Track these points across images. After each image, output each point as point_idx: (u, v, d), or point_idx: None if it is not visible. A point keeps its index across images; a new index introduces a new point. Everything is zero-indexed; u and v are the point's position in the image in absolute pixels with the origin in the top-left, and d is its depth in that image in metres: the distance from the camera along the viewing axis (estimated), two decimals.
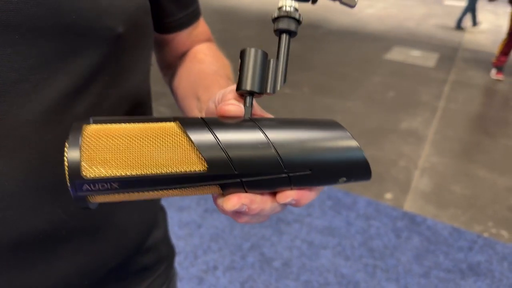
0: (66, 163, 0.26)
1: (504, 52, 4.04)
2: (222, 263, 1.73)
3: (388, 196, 2.21)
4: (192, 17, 0.55)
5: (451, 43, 5.46)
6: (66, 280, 0.44)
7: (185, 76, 0.54)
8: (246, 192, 0.29)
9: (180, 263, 1.71)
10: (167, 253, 0.63)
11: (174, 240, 0.65)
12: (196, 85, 0.49)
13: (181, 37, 0.55)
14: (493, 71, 4.16)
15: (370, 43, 5.22)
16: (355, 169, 0.30)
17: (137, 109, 0.48)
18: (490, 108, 3.53)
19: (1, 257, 0.38)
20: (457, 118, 3.20)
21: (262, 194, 0.30)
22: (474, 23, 6.54)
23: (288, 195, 0.30)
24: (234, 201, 0.29)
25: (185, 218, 1.97)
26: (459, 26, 6.48)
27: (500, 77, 4.10)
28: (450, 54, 4.90)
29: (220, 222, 1.95)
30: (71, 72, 0.36)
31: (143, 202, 0.53)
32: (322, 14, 6.75)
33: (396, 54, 4.78)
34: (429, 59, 4.65)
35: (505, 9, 7.29)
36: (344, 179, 0.30)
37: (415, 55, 4.77)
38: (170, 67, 0.59)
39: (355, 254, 1.80)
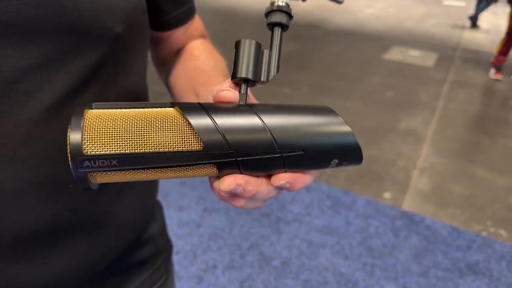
0: (68, 142, 0.27)
1: (503, 52, 4.05)
2: (221, 262, 1.73)
3: (387, 195, 2.22)
4: (188, 14, 0.56)
5: (450, 43, 5.47)
6: (66, 275, 0.44)
7: (181, 73, 0.54)
8: (242, 173, 0.30)
9: (179, 262, 1.72)
10: (164, 246, 0.64)
11: (174, 239, 0.65)
12: (194, 82, 0.50)
13: (177, 34, 0.56)
14: (492, 71, 4.17)
15: (369, 43, 5.22)
16: (346, 151, 0.31)
17: None
18: (489, 108, 3.54)
19: (2, 253, 0.38)
20: (456, 118, 3.21)
21: (257, 176, 0.31)
22: (475, 24, 6.57)
23: (282, 177, 0.31)
24: (230, 181, 0.29)
25: (185, 218, 1.98)
26: (475, 24, 6.50)
27: (499, 76, 4.11)
28: (449, 54, 4.90)
29: (219, 222, 1.96)
30: (71, 71, 0.37)
31: (140, 197, 0.54)
32: (321, 14, 6.76)
33: (395, 54, 4.79)
34: (428, 59, 4.65)
35: (504, 9, 7.31)
36: (336, 161, 0.31)
37: (414, 55, 4.78)
38: (165, 64, 0.59)
39: (354, 253, 1.81)
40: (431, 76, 4.12)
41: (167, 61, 0.59)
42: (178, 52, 0.58)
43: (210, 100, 0.37)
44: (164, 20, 0.53)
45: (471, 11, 6.95)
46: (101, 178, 0.29)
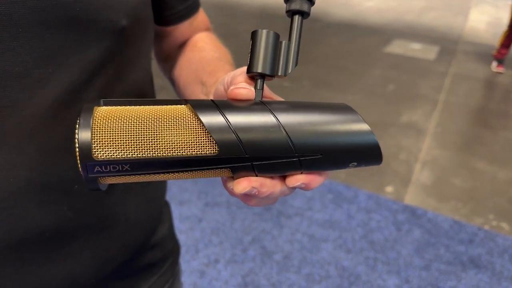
0: (77, 145, 0.25)
1: (505, 44, 4.03)
2: (223, 257, 1.73)
3: (389, 189, 2.21)
4: (192, 8, 0.55)
5: (451, 36, 5.44)
6: (72, 278, 0.43)
7: (186, 65, 0.53)
8: (257, 175, 0.29)
9: (181, 256, 1.71)
10: (172, 249, 0.63)
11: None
12: (200, 72, 0.49)
13: (182, 29, 0.55)
14: (494, 64, 4.14)
15: (370, 36, 5.19)
16: (366, 153, 0.30)
17: None
18: (491, 101, 3.53)
19: (8, 255, 0.37)
20: (458, 111, 3.19)
21: (272, 177, 0.30)
22: None
23: (298, 179, 0.30)
24: (245, 184, 0.29)
25: (186, 212, 1.97)
26: None
27: (501, 69, 4.09)
28: (450, 47, 4.88)
29: (220, 216, 1.95)
30: (75, 66, 0.36)
31: (148, 198, 0.53)
32: (322, 7, 6.72)
33: (396, 47, 4.76)
34: (429, 52, 4.63)
35: (505, 1, 7.26)
36: (355, 163, 0.30)
37: (415, 48, 4.75)
38: (169, 58, 0.58)
39: (356, 247, 1.81)
40: (433, 69, 4.10)
41: (170, 56, 0.58)
42: (181, 46, 0.57)
43: (218, 87, 0.35)
44: (169, 14, 0.52)
45: (472, 3, 6.90)
46: (111, 180, 0.28)
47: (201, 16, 0.58)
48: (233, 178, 0.30)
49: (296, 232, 1.88)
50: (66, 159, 0.38)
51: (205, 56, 0.52)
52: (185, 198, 2.07)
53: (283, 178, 0.31)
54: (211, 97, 0.42)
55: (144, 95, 0.48)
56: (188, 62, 0.53)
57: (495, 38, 4.68)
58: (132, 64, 0.43)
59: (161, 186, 0.58)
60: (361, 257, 1.76)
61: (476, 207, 2.10)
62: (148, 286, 0.56)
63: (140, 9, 0.42)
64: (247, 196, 0.31)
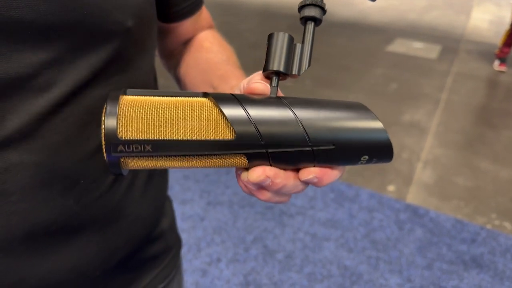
0: (103, 126, 0.27)
1: (507, 43, 4.01)
2: (225, 256, 1.73)
3: (391, 188, 2.21)
4: (196, 5, 0.55)
5: (453, 34, 5.43)
6: (78, 270, 0.44)
7: (193, 65, 0.54)
8: (271, 166, 0.30)
9: (183, 255, 1.72)
10: (173, 242, 0.64)
11: None
12: (208, 74, 0.49)
13: (186, 26, 0.55)
14: (496, 63, 4.13)
15: (372, 35, 5.19)
16: (377, 148, 0.31)
17: None
18: (493, 99, 3.52)
19: (14, 249, 0.38)
20: (460, 110, 3.19)
21: (285, 169, 0.31)
22: None
23: (311, 172, 0.30)
24: (259, 172, 0.29)
25: (188, 211, 1.98)
26: None
27: (503, 68, 4.08)
28: (452, 46, 4.86)
29: (223, 215, 1.95)
30: (82, 67, 0.36)
31: (152, 192, 0.54)
32: None
33: (398, 46, 4.75)
34: (431, 51, 4.62)
35: (507, 0, 7.23)
36: (366, 157, 0.31)
37: (417, 47, 4.74)
38: (173, 55, 0.59)
39: (358, 246, 1.81)
40: (435, 68, 4.09)
41: (174, 53, 0.59)
42: (186, 43, 0.58)
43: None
44: (173, 11, 0.52)
45: (474, 2, 6.88)
46: (133, 163, 0.29)
47: (204, 13, 0.59)
48: (247, 170, 0.31)
49: (298, 231, 1.88)
50: (72, 155, 0.39)
51: (212, 58, 0.52)
52: (187, 197, 2.07)
53: (297, 172, 0.31)
54: None
55: None
56: (195, 62, 0.54)
57: (498, 36, 4.67)
58: (137, 62, 0.44)
59: (164, 181, 0.59)
60: (363, 256, 1.76)
61: (479, 206, 2.09)
62: (151, 279, 0.57)
63: (145, 8, 0.42)
64: (260, 189, 0.31)
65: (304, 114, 0.30)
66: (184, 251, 1.74)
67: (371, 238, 1.86)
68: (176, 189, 2.12)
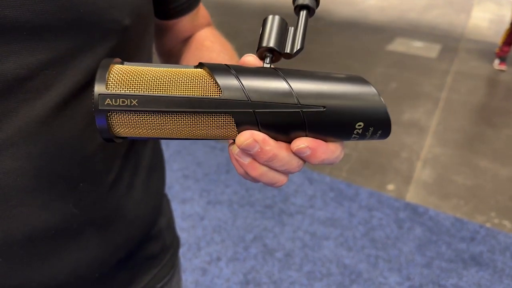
0: (94, 82, 0.28)
1: (508, 42, 4.01)
2: (225, 254, 1.74)
3: (390, 187, 2.21)
4: (193, 1, 0.55)
5: (453, 33, 5.42)
6: (77, 272, 0.44)
7: (195, 63, 0.54)
8: (260, 131, 0.30)
9: (183, 254, 1.72)
10: (171, 241, 0.64)
11: (177, 232, 0.65)
12: None
13: (184, 22, 0.55)
14: (496, 62, 4.13)
15: (372, 35, 5.18)
16: (372, 115, 0.29)
17: None
18: (493, 98, 3.52)
19: (14, 253, 0.38)
20: (460, 109, 3.19)
21: (276, 139, 0.30)
22: None
23: (302, 141, 0.29)
24: (247, 135, 0.28)
25: (188, 210, 1.98)
26: None
27: (503, 67, 4.07)
28: (452, 45, 4.86)
29: (223, 214, 1.96)
30: (80, 67, 0.36)
31: (150, 191, 0.54)
32: (323, 5, 6.70)
33: (398, 45, 4.75)
34: (431, 50, 4.62)
35: None
36: (361, 124, 0.29)
37: (417, 46, 4.74)
38: (171, 53, 0.59)
39: (358, 245, 1.81)
40: (435, 67, 4.09)
41: (173, 51, 0.58)
42: (185, 41, 0.57)
43: None
44: (171, 7, 0.52)
45: (474, 1, 6.87)
46: (121, 127, 0.29)
47: (202, 10, 0.58)
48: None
49: (298, 230, 1.88)
50: (72, 158, 0.38)
51: (215, 58, 0.52)
52: (187, 196, 2.08)
53: (289, 144, 0.30)
54: None
55: None
56: (196, 60, 0.53)
57: (498, 35, 4.66)
58: (135, 60, 0.43)
59: (161, 179, 0.59)
60: (363, 255, 1.76)
61: (478, 205, 2.10)
62: (149, 279, 0.57)
63: (143, 5, 0.42)
64: (252, 164, 0.30)
65: (295, 78, 0.29)
66: (184, 250, 1.75)
67: (370, 236, 1.86)
68: (176, 188, 2.13)
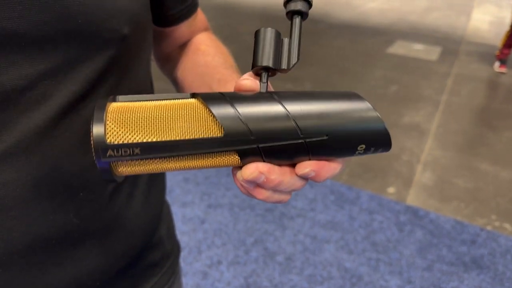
0: (92, 133, 0.27)
1: (508, 44, 4.01)
2: (226, 258, 1.74)
3: (391, 190, 2.22)
4: (191, 7, 0.55)
5: (453, 36, 5.43)
6: (78, 282, 0.44)
7: (191, 68, 0.54)
8: (264, 161, 0.29)
9: (184, 258, 1.72)
10: (172, 248, 0.63)
11: (178, 235, 0.65)
12: (207, 78, 0.49)
13: (182, 29, 0.55)
14: (497, 64, 4.13)
15: (372, 37, 5.19)
16: (373, 136, 0.29)
17: None
18: (493, 101, 3.52)
19: (15, 262, 0.38)
20: (460, 111, 3.19)
21: (280, 165, 0.30)
22: None
23: (306, 165, 0.29)
24: (252, 168, 0.28)
25: (189, 214, 1.98)
26: None
27: (504, 70, 4.08)
28: (453, 48, 4.87)
29: (223, 218, 1.96)
30: (79, 77, 0.36)
31: (150, 199, 0.54)
32: (323, 8, 6.72)
33: (399, 48, 4.76)
34: (431, 53, 4.62)
35: (508, 1, 7.23)
36: (363, 146, 0.30)
37: (417, 49, 4.75)
38: (169, 59, 0.59)
39: (358, 248, 1.81)
40: (435, 70, 4.10)
41: (171, 56, 0.58)
42: (183, 46, 0.57)
43: None
44: (169, 15, 0.52)
45: (474, 3, 6.87)
46: (124, 168, 0.29)
47: (200, 16, 0.58)
48: (241, 168, 0.30)
49: (299, 233, 1.88)
50: (71, 167, 0.38)
51: (210, 62, 0.52)
52: (188, 199, 2.08)
53: (293, 167, 0.30)
54: None
55: None
56: (193, 65, 0.53)
57: (498, 38, 4.67)
58: (134, 69, 0.44)
59: (162, 187, 0.59)
60: (363, 258, 1.76)
61: (479, 208, 2.10)
62: (150, 286, 0.57)
63: (141, 14, 0.42)
64: (257, 188, 0.30)
65: (294, 106, 0.29)
66: (184, 253, 1.75)
67: (371, 240, 1.86)
68: (176, 191, 2.13)
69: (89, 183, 0.41)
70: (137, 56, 0.44)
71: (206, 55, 0.54)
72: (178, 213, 1.98)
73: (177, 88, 0.57)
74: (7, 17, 0.30)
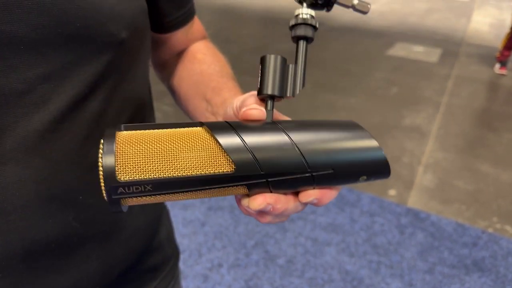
0: (101, 169, 0.27)
1: (508, 46, 4.01)
2: (226, 261, 1.73)
3: (392, 192, 2.21)
4: (188, 15, 0.55)
5: (454, 38, 5.43)
6: (78, 285, 0.44)
7: (186, 76, 0.54)
8: (271, 192, 0.30)
9: (184, 261, 1.72)
10: (171, 252, 0.63)
11: (179, 238, 0.65)
12: (202, 87, 0.49)
13: (178, 36, 0.56)
14: (497, 66, 4.13)
15: (372, 39, 5.20)
16: (375, 167, 0.31)
17: (141, 110, 0.48)
18: (494, 103, 3.52)
19: (14, 267, 0.38)
20: (461, 113, 3.19)
21: (285, 193, 0.31)
22: None
23: (311, 194, 0.31)
24: (260, 200, 0.30)
25: (189, 216, 1.98)
26: None
27: (504, 71, 4.08)
28: (453, 49, 4.87)
29: (224, 220, 1.96)
30: (77, 80, 0.36)
31: (149, 204, 0.54)
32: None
33: (399, 50, 4.76)
34: (432, 55, 4.62)
35: (508, 3, 7.24)
36: (365, 177, 0.32)
37: (418, 51, 4.75)
38: (166, 66, 0.59)
39: (359, 251, 1.81)
40: (435, 71, 4.10)
41: (168, 64, 0.59)
42: (179, 54, 0.58)
43: (228, 111, 0.37)
44: (166, 21, 0.52)
45: (474, 5, 6.88)
46: (133, 201, 0.29)
47: (197, 24, 0.59)
48: (248, 196, 0.31)
49: (299, 236, 1.88)
50: (71, 171, 0.38)
51: (206, 70, 0.52)
52: (188, 202, 2.08)
53: (296, 194, 0.32)
54: (219, 118, 0.44)
55: (143, 102, 0.49)
56: (188, 73, 0.54)
57: (498, 39, 4.67)
58: (132, 73, 0.44)
59: None
60: (364, 261, 1.76)
61: (480, 210, 2.09)
62: None
63: (139, 19, 0.42)
64: (261, 214, 0.32)
65: (302, 140, 0.30)
66: (185, 256, 1.74)
67: (372, 242, 1.86)
68: None
69: (89, 186, 0.41)
70: (135, 60, 0.44)
71: (202, 64, 0.54)
72: (178, 216, 1.97)
73: (174, 96, 0.58)
74: (6, 21, 0.30)
